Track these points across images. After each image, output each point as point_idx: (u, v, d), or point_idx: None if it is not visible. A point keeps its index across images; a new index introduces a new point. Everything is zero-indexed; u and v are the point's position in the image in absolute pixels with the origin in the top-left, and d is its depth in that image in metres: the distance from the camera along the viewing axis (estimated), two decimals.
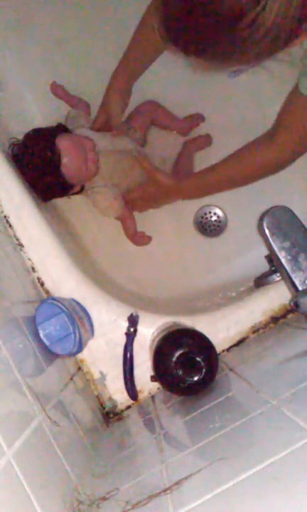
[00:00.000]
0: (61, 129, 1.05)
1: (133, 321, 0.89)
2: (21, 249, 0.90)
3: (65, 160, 0.99)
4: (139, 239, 1.18)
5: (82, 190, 1.10)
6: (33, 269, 0.90)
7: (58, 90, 1.18)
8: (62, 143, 1.00)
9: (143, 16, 0.98)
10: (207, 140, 1.21)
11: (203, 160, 1.17)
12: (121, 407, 0.91)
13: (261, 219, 0.81)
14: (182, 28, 0.54)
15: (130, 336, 0.89)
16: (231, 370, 0.77)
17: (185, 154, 1.21)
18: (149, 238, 1.18)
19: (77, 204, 1.17)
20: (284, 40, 0.53)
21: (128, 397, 0.90)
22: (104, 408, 0.91)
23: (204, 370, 0.70)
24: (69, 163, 1.00)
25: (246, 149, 0.94)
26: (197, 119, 1.22)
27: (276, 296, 0.90)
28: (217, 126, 1.22)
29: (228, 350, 0.90)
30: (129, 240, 1.18)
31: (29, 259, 0.90)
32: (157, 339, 0.79)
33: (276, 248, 0.80)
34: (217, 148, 1.20)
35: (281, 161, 0.89)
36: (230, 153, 0.97)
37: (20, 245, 0.90)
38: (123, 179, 1.13)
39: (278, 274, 0.85)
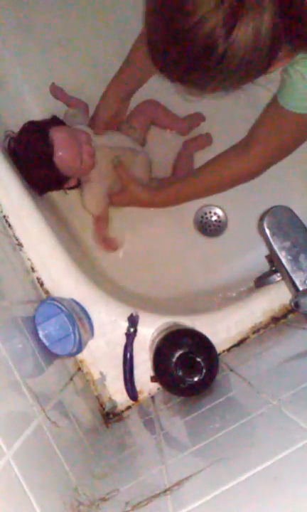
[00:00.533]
0: (55, 121, 1.05)
1: (133, 321, 0.89)
2: (21, 249, 0.90)
3: (59, 152, 0.99)
4: (108, 244, 1.16)
5: (79, 184, 1.10)
6: (32, 269, 0.90)
7: (57, 92, 1.18)
8: (57, 135, 1.00)
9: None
10: (207, 140, 1.21)
11: (204, 159, 1.17)
12: (121, 407, 0.91)
13: (261, 219, 0.81)
14: (164, 61, 0.59)
15: (130, 336, 0.89)
16: (231, 370, 0.77)
17: (184, 154, 1.21)
18: (116, 247, 1.17)
19: (77, 204, 1.17)
20: (260, 67, 0.57)
21: (128, 398, 0.90)
22: (104, 409, 0.91)
23: (204, 371, 0.70)
24: (63, 155, 1.00)
25: (221, 160, 0.97)
26: (197, 118, 1.22)
27: (276, 297, 0.90)
28: (217, 126, 1.21)
29: (228, 350, 0.90)
30: (96, 241, 1.16)
31: (29, 259, 0.90)
32: (157, 339, 0.79)
33: (276, 248, 0.80)
34: (217, 148, 1.19)
35: (255, 171, 0.93)
36: (205, 163, 1.01)
37: (20, 245, 0.90)
38: (133, 169, 1.12)
39: (278, 274, 0.85)
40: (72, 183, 1.08)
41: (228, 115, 1.21)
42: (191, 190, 1.05)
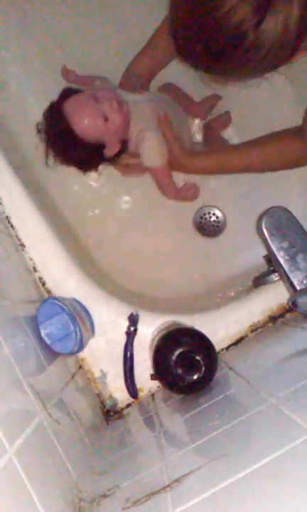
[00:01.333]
0: (66, 94, 1.00)
1: (133, 320, 0.90)
2: (23, 250, 0.91)
3: (74, 123, 0.95)
4: (185, 192, 1.10)
5: (123, 150, 1.04)
6: (34, 269, 0.91)
7: (70, 75, 1.13)
8: (66, 107, 0.96)
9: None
10: (226, 119, 1.17)
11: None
12: (121, 405, 0.92)
13: (259, 219, 0.82)
14: (191, 50, 0.59)
15: (130, 335, 0.90)
16: (230, 368, 0.78)
17: (211, 135, 1.17)
18: (198, 191, 1.11)
19: (78, 203, 1.17)
20: (285, 57, 0.58)
21: (128, 396, 0.91)
22: (104, 406, 0.92)
23: (203, 369, 0.71)
24: (79, 126, 0.95)
25: (273, 140, 0.94)
26: (213, 99, 1.17)
27: (274, 296, 0.91)
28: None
29: (227, 349, 0.91)
30: (169, 197, 1.10)
31: (30, 259, 0.91)
32: (157, 338, 0.80)
33: (274, 248, 0.80)
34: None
35: None
36: (252, 140, 0.97)
37: (22, 245, 0.91)
38: (177, 126, 1.06)
39: (276, 274, 0.86)
40: (115, 149, 1.02)
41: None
42: (233, 163, 1.00)
